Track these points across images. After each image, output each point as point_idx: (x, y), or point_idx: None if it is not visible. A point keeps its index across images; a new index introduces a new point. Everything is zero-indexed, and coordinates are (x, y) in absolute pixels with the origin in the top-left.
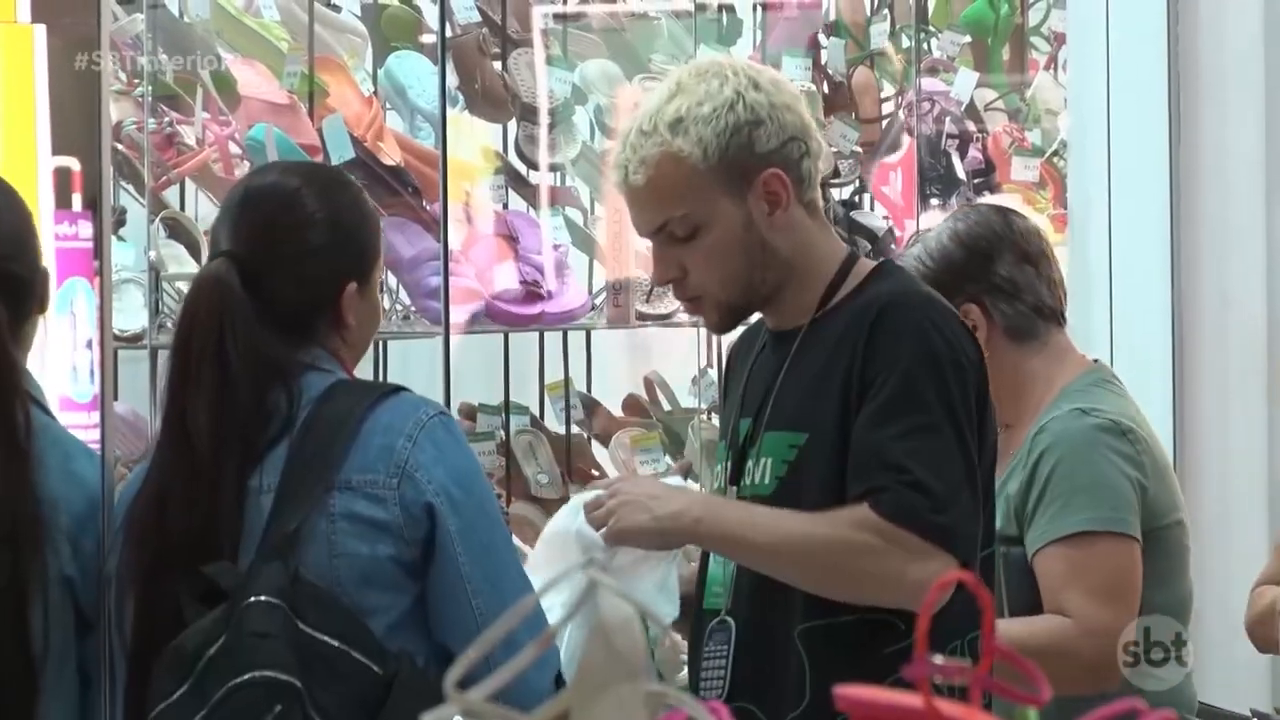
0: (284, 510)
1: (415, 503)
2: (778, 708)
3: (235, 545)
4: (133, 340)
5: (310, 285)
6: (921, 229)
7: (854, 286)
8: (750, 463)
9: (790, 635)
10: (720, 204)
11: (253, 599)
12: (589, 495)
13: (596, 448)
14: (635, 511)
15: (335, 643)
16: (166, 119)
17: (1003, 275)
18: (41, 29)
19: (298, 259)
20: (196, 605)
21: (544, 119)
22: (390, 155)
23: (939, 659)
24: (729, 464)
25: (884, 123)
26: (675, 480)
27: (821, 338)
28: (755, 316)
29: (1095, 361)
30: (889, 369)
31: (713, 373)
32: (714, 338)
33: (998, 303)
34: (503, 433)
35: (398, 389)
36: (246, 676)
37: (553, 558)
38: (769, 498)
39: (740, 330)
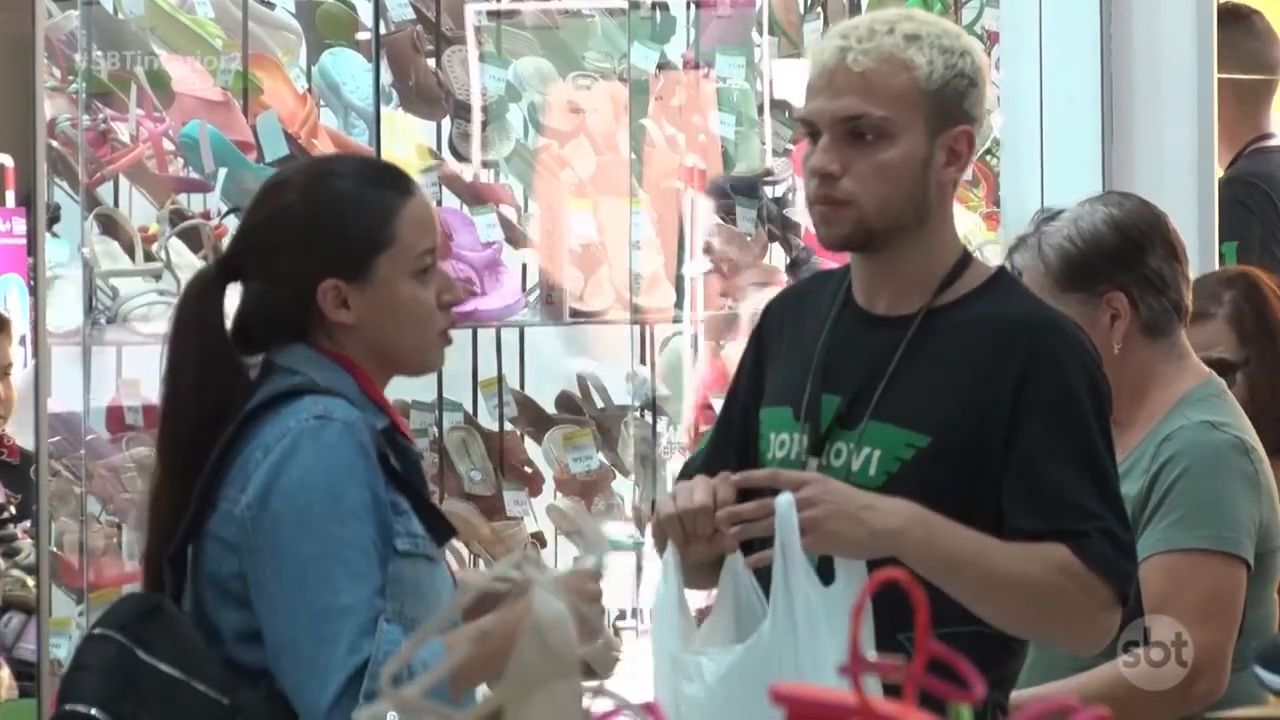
0: (178, 528)
1: (258, 517)
2: None
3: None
4: (67, 337)
5: (279, 283)
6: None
7: (975, 287)
8: (843, 445)
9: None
10: (916, 128)
11: (92, 631)
12: (801, 494)
13: (529, 444)
14: (850, 524)
15: (176, 673)
16: (101, 115)
17: (1153, 268)
18: None
19: (266, 255)
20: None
21: (477, 116)
22: (324, 152)
23: (873, 656)
24: (803, 435)
25: None
26: None
27: (946, 335)
28: (798, 281)
29: (1209, 372)
30: (1060, 398)
31: (644, 370)
32: (646, 335)
33: (1145, 295)
34: (436, 430)
35: (299, 392)
36: (61, 709)
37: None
38: (873, 490)
39: (781, 292)
